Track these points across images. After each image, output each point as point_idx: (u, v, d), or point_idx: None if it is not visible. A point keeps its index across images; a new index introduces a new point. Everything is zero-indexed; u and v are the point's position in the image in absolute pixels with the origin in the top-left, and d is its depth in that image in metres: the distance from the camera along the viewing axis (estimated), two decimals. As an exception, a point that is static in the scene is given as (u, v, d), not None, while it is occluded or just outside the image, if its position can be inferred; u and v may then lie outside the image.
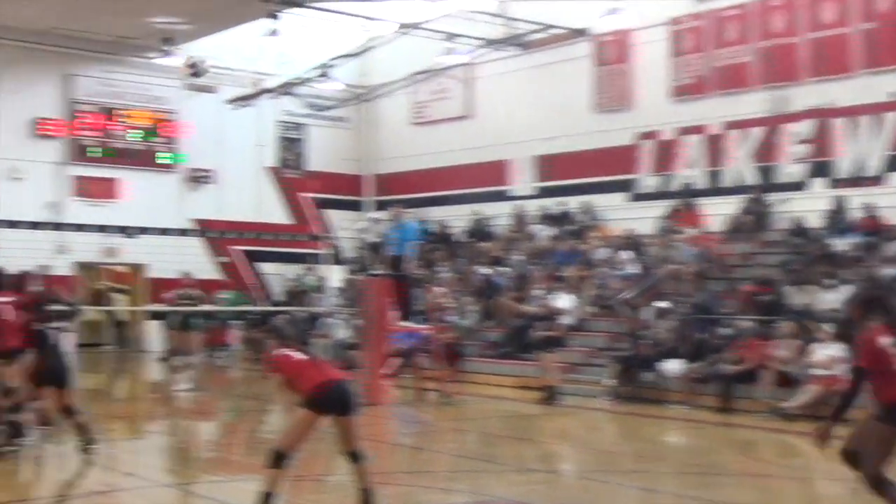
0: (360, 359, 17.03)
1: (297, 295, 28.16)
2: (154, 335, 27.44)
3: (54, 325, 10.82)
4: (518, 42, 26.83)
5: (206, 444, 12.98)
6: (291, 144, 32.01)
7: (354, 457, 8.04)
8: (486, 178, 28.75)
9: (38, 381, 10.78)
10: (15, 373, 11.40)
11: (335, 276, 28.39)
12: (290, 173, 31.85)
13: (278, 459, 7.77)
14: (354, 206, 32.50)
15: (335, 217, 32.15)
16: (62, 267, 27.37)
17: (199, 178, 30.15)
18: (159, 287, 27.06)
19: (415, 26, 25.83)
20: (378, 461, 8.53)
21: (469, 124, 29.52)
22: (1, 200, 26.75)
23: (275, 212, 31.32)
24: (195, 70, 15.57)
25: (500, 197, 28.30)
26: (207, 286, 27.43)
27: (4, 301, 11.58)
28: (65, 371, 10.79)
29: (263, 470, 7.81)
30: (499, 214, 27.91)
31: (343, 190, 32.39)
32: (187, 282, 24.90)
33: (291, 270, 30.47)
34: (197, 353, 24.46)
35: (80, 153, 28.62)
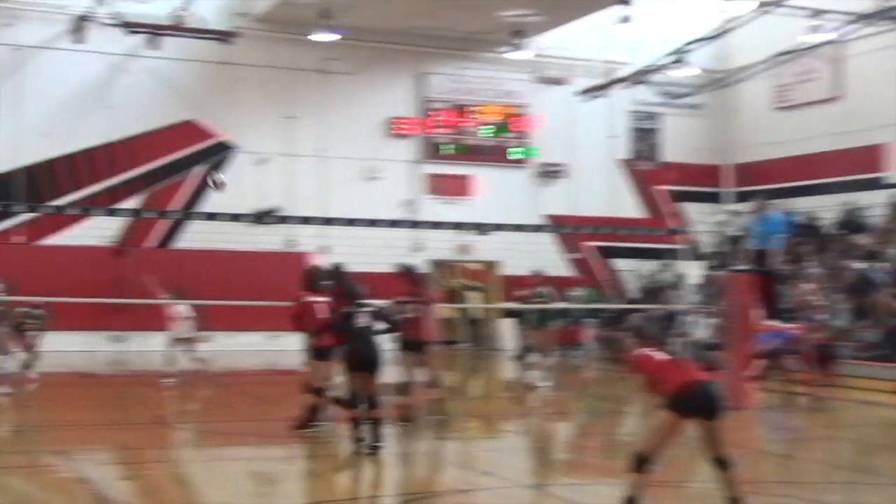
0: (722, 359, 16.69)
1: (653, 292, 28.02)
2: (508, 333, 28.10)
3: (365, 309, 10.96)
4: (893, 15, 25.36)
5: (563, 445, 13.13)
6: (645, 135, 31.86)
7: (720, 463, 7.88)
8: (858, 165, 27.43)
9: (349, 366, 11.03)
10: (330, 371, 12.01)
11: (693, 272, 27.98)
12: (644, 165, 31.75)
13: (641, 463, 7.74)
14: (712, 198, 31.95)
15: (692, 210, 31.73)
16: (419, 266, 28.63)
17: (550, 172, 30.60)
18: (512, 284, 27.69)
19: (776, 4, 25.00)
20: (745, 468, 8.31)
21: (838, 107, 28.27)
22: (359, 199, 28.30)
23: (628, 206, 31.33)
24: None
25: (875, 185, 26.91)
26: (560, 283, 27.79)
27: (319, 300, 12.25)
28: (374, 356, 10.93)
29: (625, 474, 7.80)
30: (874, 204, 26.53)
31: (700, 181, 31.91)
32: (537, 279, 25.36)
33: (646, 266, 30.35)
34: (551, 351, 24.81)
35: (433, 151, 29.79)
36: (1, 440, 12.42)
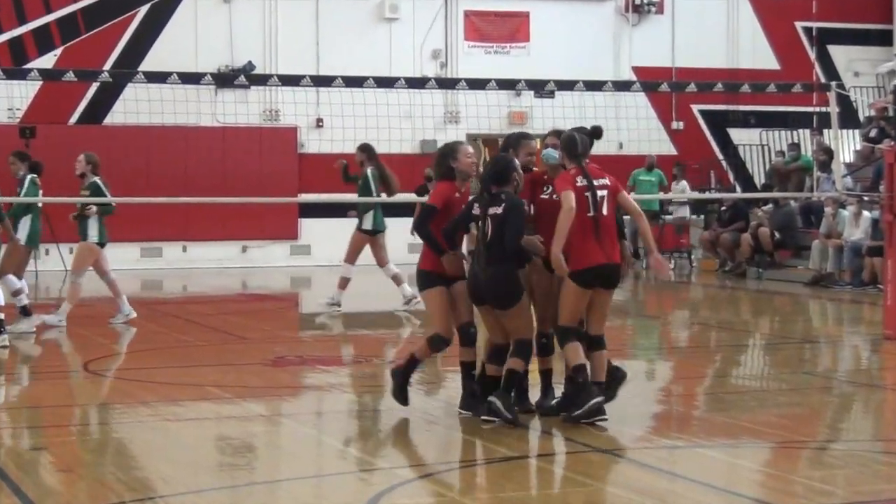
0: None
1: (786, 175, 27.61)
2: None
3: None
4: None
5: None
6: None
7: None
8: None
9: None
10: None
11: (844, 146, 27.56)
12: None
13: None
14: (879, 40, 31.45)
15: (844, 56, 31.28)
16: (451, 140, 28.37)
17: (641, 6, 30.19)
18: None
19: None
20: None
21: None
22: (367, 52, 27.99)
23: (754, 52, 30.87)
24: None
25: None
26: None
27: None
28: None
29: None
30: None
31: (859, 16, 31.37)
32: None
33: (777, 139, 30.00)
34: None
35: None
36: None
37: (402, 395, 10.91)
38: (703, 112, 30.56)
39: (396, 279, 19.35)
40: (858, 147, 27.71)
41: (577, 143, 10.52)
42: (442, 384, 13.13)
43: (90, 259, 17.16)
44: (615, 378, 10.82)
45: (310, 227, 28.08)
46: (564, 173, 10.50)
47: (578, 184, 10.33)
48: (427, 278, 10.77)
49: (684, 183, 28.13)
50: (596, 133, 10.78)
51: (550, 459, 9.74)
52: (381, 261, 19.35)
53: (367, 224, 19.16)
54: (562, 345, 10.40)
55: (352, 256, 19.34)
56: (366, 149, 19.79)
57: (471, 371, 10.86)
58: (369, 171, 19.28)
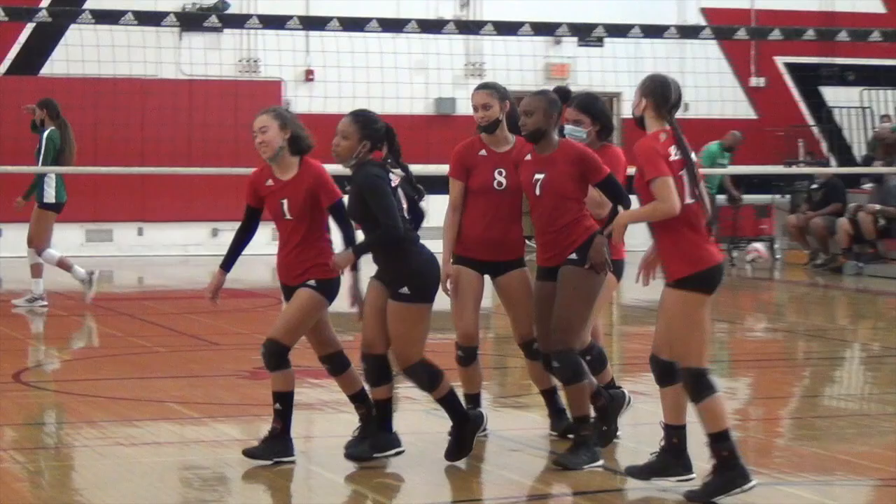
0: None
1: (891, 145, 27.61)
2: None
3: None
4: None
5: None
6: None
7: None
8: None
9: None
10: None
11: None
12: None
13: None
14: None
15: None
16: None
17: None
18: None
19: None
20: None
21: None
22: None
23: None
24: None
25: None
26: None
27: None
28: None
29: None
30: None
31: None
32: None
33: (883, 99, 30.01)
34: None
35: None
36: None
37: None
38: (789, 66, 30.58)
39: (63, 264, 19.26)
40: None
41: (670, 88, 9.08)
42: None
43: None
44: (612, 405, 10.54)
45: (297, 206, 28.10)
46: (649, 140, 8.98)
47: (673, 157, 8.91)
48: None
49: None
50: (564, 95, 10.20)
51: (592, 497, 9.74)
52: (40, 244, 19.19)
53: (49, 197, 18.99)
54: (697, 399, 8.88)
55: (39, 238, 19.16)
56: (47, 104, 19.54)
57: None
58: (48, 133, 19.10)
